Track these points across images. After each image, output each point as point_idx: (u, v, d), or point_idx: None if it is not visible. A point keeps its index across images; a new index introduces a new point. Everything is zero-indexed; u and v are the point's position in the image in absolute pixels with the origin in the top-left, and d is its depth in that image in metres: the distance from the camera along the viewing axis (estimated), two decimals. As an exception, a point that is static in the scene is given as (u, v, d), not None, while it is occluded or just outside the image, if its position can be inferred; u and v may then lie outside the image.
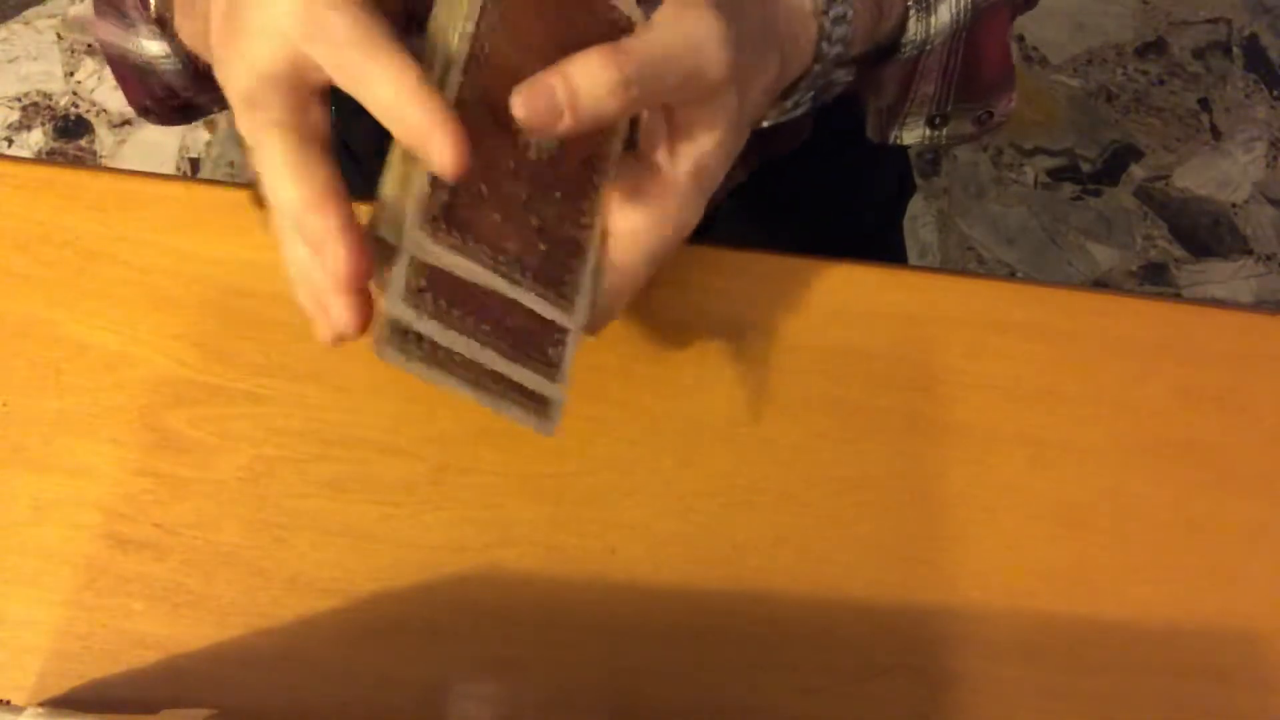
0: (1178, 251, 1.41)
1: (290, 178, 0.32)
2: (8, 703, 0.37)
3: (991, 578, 0.41)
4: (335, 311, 0.32)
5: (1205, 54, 1.54)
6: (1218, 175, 1.46)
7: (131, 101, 0.53)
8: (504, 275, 0.34)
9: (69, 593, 0.39)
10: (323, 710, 0.38)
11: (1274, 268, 1.41)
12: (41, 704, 0.37)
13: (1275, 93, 1.52)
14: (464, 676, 0.39)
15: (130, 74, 0.50)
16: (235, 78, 0.33)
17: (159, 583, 0.39)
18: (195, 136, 1.40)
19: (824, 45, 0.39)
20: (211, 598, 0.39)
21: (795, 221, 0.69)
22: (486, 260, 0.33)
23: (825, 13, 0.38)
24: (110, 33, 0.49)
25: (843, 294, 0.46)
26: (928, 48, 0.43)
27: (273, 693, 0.38)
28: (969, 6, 0.44)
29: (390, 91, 0.31)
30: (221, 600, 0.39)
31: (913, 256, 1.20)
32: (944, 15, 0.43)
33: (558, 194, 0.35)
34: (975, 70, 0.46)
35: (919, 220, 1.40)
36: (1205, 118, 1.49)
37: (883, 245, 0.75)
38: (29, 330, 0.43)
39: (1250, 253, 1.42)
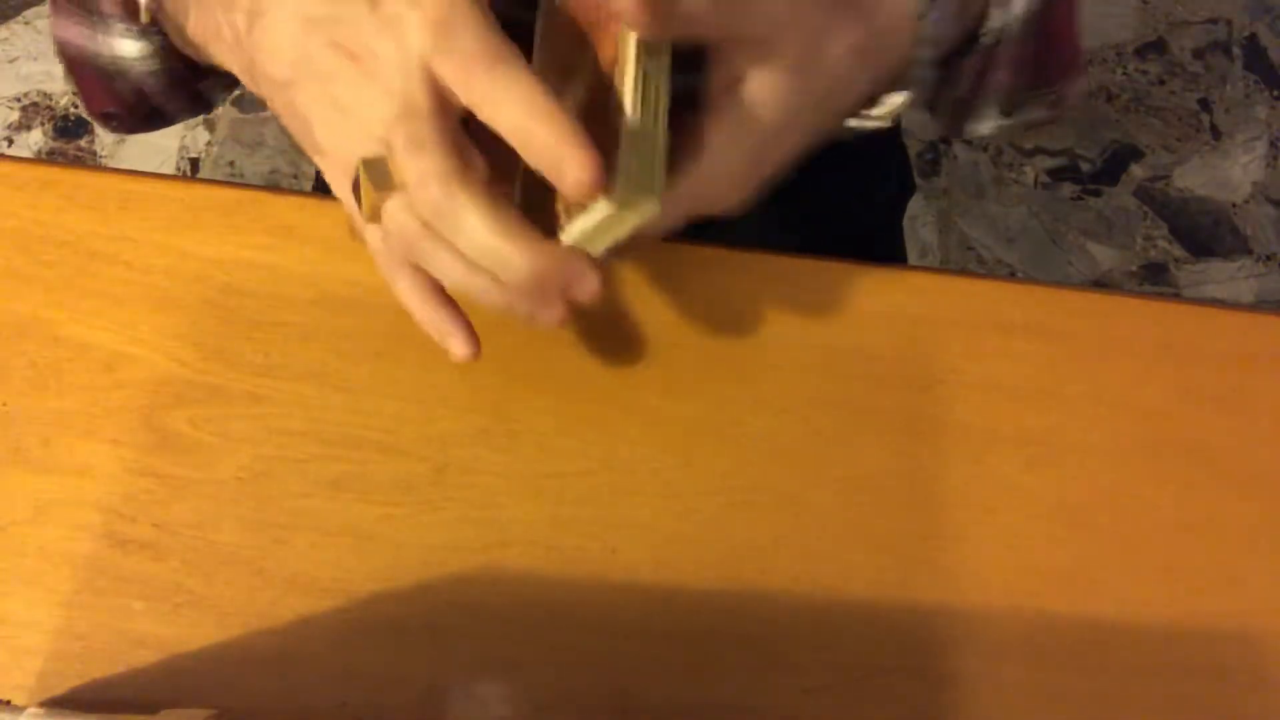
0: (1178, 251, 1.41)
1: (507, 239, 0.33)
2: (8, 703, 0.37)
3: (991, 578, 0.41)
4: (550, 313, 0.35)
5: (1205, 54, 1.54)
6: (1218, 175, 1.46)
7: (91, 108, 0.49)
8: None
9: (69, 593, 0.39)
10: (323, 710, 0.38)
11: (1274, 268, 1.41)
12: (41, 704, 0.37)
13: (1275, 93, 1.52)
14: (464, 676, 0.39)
15: (94, 77, 0.46)
16: (371, 119, 0.33)
17: (159, 583, 0.39)
18: (195, 136, 1.40)
19: (918, 48, 0.39)
20: (211, 598, 0.39)
21: (795, 221, 0.69)
22: None
23: (923, 17, 0.38)
24: (72, 31, 0.45)
25: (843, 294, 0.46)
26: (1004, 36, 0.43)
27: (273, 693, 0.38)
28: None
29: (519, 111, 0.32)
30: (221, 600, 0.39)
31: (913, 256, 1.20)
32: (1020, 2, 0.42)
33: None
34: (1048, 53, 0.45)
35: (919, 220, 1.40)
36: (1205, 118, 1.49)
37: (883, 245, 0.75)
38: (29, 330, 0.43)
39: (1250, 253, 1.42)
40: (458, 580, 0.38)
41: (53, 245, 0.44)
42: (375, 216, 0.35)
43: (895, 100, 0.41)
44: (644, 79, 0.34)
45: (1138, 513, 0.42)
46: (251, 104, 1.40)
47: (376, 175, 0.33)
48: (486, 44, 0.32)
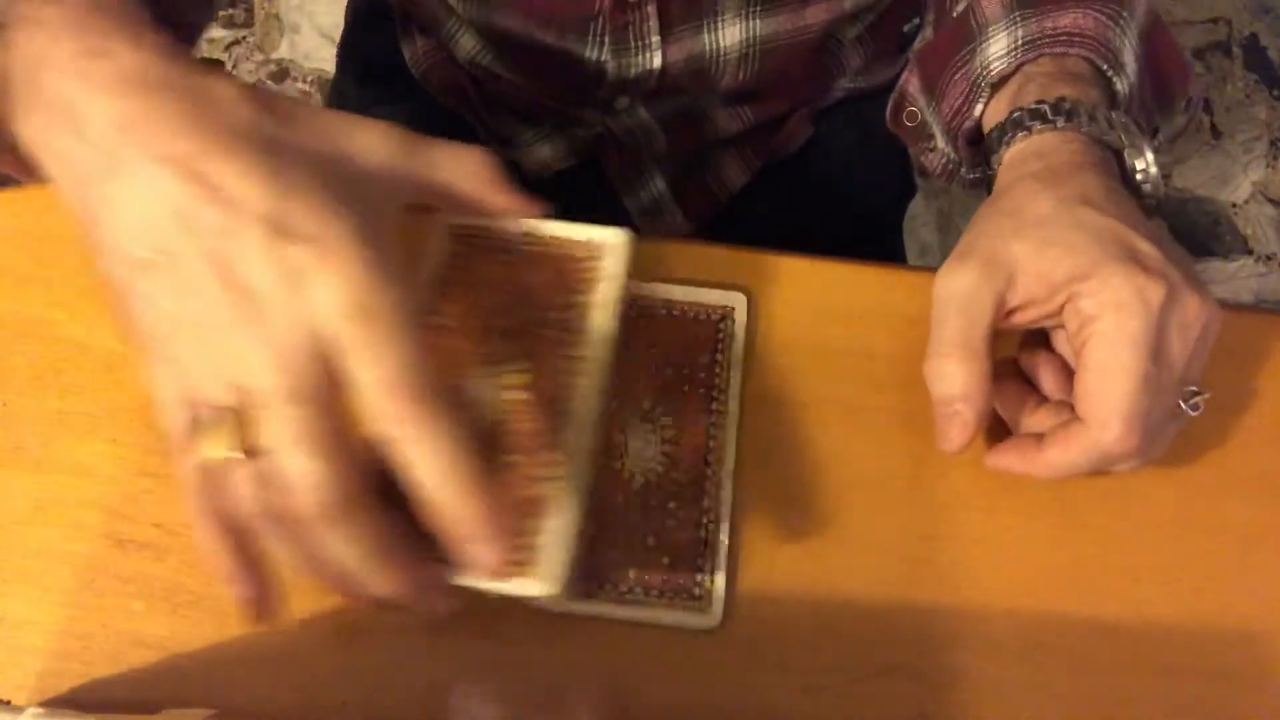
0: (1178, 251, 1.40)
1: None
2: (8, 703, 0.37)
3: (991, 578, 0.41)
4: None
5: (1205, 54, 1.54)
6: (1218, 175, 1.46)
7: None
8: None
9: (69, 593, 0.39)
10: (323, 710, 0.38)
11: (1274, 268, 1.41)
12: (41, 704, 0.37)
13: (1275, 93, 1.52)
14: (464, 676, 0.39)
15: None
16: (228, 363, 0.28)
17: (159, 583, 0.39)
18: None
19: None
20: (211, 598, 0.39)
21: (796, 221, 0.69)
22: None
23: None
24: None
25: (843, 294, 0.46)
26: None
27: (273, 693, 0.38)
28: (1141, 37, 0.45)
29: (439, 472, 0.28)
30: (221, 600, 0.39)
31: (913, 256, 1.20)
32: (1130, 61, 0.44)
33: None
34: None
35: (919, 220, 1.40)
36: (1205, 118, 1.49)
37: (883, 245, 0.76)
38: (29, 330, 0.43)
39: (1250, 253, 1.41)
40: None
41: (53, 245, 0.44)
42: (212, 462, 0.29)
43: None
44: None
45: (1138, 513, 0.42)
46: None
47: (226, 432, 0.28)
48: (415, 365, 0.28)
